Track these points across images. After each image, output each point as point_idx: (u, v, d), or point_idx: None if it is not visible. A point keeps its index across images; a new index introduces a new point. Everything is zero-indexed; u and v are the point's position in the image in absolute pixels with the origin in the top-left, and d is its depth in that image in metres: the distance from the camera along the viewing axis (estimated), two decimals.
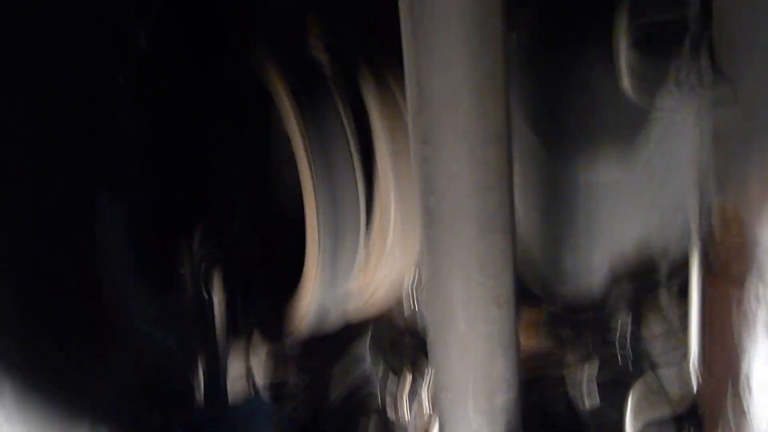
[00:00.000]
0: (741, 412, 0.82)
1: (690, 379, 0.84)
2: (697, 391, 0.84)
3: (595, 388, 1.14)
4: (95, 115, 0.69)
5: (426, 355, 0.98)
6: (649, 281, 1.09)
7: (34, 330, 0.63)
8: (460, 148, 0.55)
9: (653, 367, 1.09)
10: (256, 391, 1.13)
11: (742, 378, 0.82)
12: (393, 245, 0.88)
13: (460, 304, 0.59)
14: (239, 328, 1.07)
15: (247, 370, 1.16)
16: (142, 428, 0.80)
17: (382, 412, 0.94)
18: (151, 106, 1.10)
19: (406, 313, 0.99)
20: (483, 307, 0.59)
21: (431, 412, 0.89)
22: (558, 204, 0.90)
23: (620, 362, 0.97)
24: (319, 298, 0.86)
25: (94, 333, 0.71)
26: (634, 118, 0.85)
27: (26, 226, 0.62)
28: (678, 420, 1.15)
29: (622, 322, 1.03)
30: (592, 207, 0.90)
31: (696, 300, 0.82)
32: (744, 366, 0.81)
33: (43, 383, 0.63)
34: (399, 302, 0.99)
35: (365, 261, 0.88)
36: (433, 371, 0.88)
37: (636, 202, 0.92)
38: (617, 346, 1.00)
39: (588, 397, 1.17)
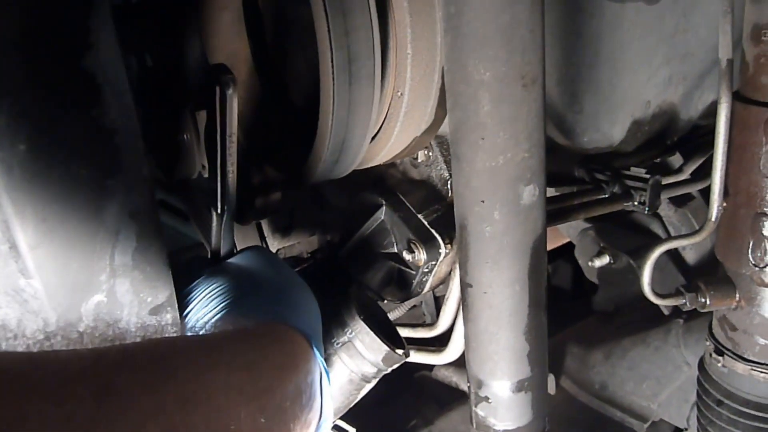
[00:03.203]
0: (761, 238, 0.81)
1: (712, 208, 0.82)
2: (718, 220, 0.83)
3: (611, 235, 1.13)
4: None
5: (437, 200, 0.96)
6: (668, 136, 1.06)
7: None
8: None
9: (671, 211, 1.08)
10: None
11: (764, 204, 0.81)
12: (409, 91, 0.84)
13: (483, 84, 0.56)
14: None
15: (260, 232, 1.16)
16: None
17: (397, 255, 0.94)
18: None
19: (420, 159, 0.97)
20: (507, 86, 0.56)
21: (445, 246, 0.88)
22: (581, 34, 0.85)
23: (635, 205, 0.95)
24: (332, 149, 0.84)
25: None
26: None
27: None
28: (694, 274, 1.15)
29: (639, 171, 1.00)
30: (617, 41, 0.86)
31: (723, 124, 0.79)
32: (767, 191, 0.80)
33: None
34: (412, 151, 0.96)
35: (380, 110, 0.84)
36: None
37: (659, 33, 0.87)
38: (634, 193, 0.98)
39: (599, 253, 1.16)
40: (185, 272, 0.74)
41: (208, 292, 0.72)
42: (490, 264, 0.62)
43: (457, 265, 0.93)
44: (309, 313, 0.69)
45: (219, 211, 0.82)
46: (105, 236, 0.65)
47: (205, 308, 0.70)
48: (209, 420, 0.45)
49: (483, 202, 0.61)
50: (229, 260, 0.79)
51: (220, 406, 0.46)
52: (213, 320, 0.67)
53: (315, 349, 0.62)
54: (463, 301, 0.67)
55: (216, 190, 0.82)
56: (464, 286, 0.66)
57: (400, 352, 0.82)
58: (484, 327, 0.65)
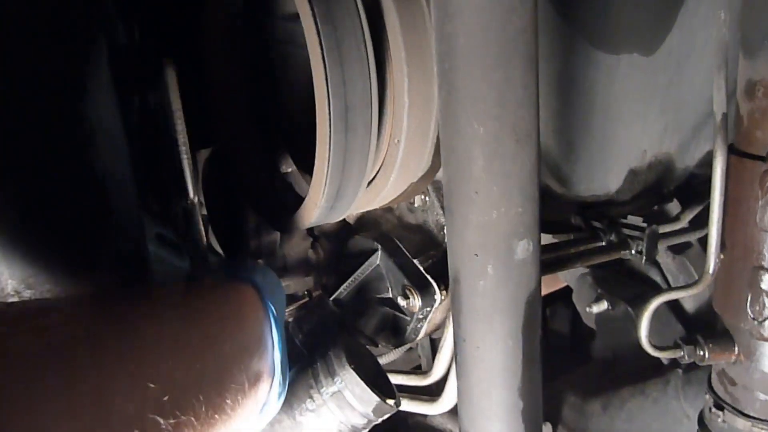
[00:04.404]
0: (759, 292, 0.80)
1: (709, 261, 0.82)
2: (715, 272, 0.82)
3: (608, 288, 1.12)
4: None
5: (433, 245, 0.95)
6: (665, 185, 1.06)
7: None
8: None
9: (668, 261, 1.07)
10: None
11: (762, 258, 0.80)
12: (405, 139, 0.84)
13: (477, 139, 0.56)
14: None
15: None
16: None
17: (391, 300, 0.93)
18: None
19: (416, 204, 0.96)
20: (500, 142, 0.56)
21: (440, 292, 0.87)
22: (575, 86, 0.86)
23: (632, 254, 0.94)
24: (327, 196, 0.84)
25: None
26: None
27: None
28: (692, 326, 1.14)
29: (636, 220, 1.00)
30: (611, 92, 0.87)
31: (719, 177, 0.79)
32: (764, 245, 0.79)
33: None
34: (409, 196, 0.96)
35: (376, 157, 0.85)
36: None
37: (653, 84, 0.88)
38: (631, 242, 0.97)
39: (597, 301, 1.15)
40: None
41: None
42: (483, 319, 0.61)
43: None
44: (265, 277, 0.70)
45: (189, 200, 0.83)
46: (94, 283, 0.64)
47: None
48: (140, 371, 0.46)
49: (476, 255, 0.60)
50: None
51: (149, 357, 0.48)
52: None
53: (268, 305, 0.63)
54: (457, 355, 0.66)
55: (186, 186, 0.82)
56: (457, 340, 0.65)
57: (390, 402, 0.80)
58: (476, 382, 0.64)
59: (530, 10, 0.53)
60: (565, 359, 1.40)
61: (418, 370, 1.00)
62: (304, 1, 0.72)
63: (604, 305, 1.18)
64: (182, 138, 0.79)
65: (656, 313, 0.89)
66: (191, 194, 0.81)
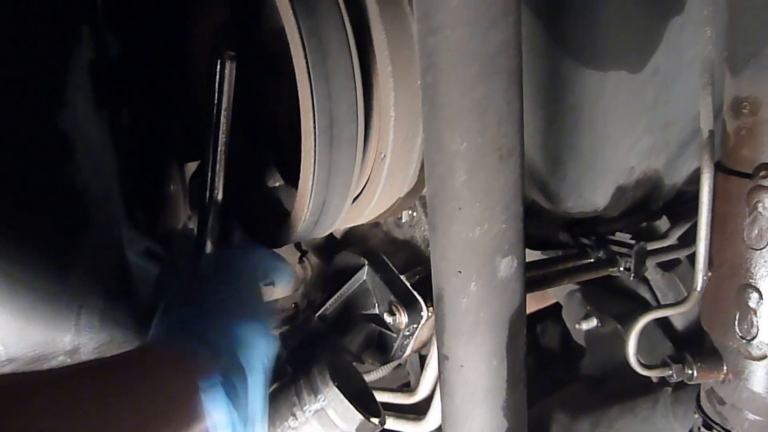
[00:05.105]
0: (747, 310, 0.80)
1: (697, 278, 0.81)
2: (703, 290, 0.81)
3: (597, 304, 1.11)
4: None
5: (420, 261, 0.94)
6: (653, 201, 1.06)
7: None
8: None
9: (655, 279, 1.07)
10: None
11: (749, 276, 0.79)
12: (391, 154, 0.84)
13: (459, 154, 0.55)
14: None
15: None
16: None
17: (378, 317, 0.91)
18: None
19: (403, 219, 0.96)
20: (483, 157, 0.55)
21: (427, 309, 0.86)
22: (562, 103, 0.86)
23: (620, 271, 0.94)
24: (312, 210, 0.83)
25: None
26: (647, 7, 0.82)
27: None
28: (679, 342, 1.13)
29: (624, 237, 0.99)
30: (598, 109, 0.87)
31: (706, 195, 0.78)
32: (752, 263, 0.79)
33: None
34: (396, 212, 0.95)
35: (362, 171, 0.84)
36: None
37: (640, 102, 0.88)
38: (619, 259, 0.97)
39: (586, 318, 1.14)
40: (170, 269, 0.79)
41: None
42: (467, 337, 0.60)
43: None
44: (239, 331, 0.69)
45: (208, 198, 0.81)
46: (70, 297, 0.63)
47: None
48: None
49: (460, 272, 0.59)
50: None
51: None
52: None
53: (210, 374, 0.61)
54: (440, 374, 0.65)
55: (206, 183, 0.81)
56: (441, 358, 0.64)
57: (375, 420, 0.79)
58: (460, 402, 0.63)
59: (513, 24, 0.53)
60: (557, 376, 1.39)
61: (405, 388, 0.99)
62: (290, 16, 0.72)
63: (593, 322, 1.17)
64: (223, 138, 0.80)
65: (646, 330, 0.89)
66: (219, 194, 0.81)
